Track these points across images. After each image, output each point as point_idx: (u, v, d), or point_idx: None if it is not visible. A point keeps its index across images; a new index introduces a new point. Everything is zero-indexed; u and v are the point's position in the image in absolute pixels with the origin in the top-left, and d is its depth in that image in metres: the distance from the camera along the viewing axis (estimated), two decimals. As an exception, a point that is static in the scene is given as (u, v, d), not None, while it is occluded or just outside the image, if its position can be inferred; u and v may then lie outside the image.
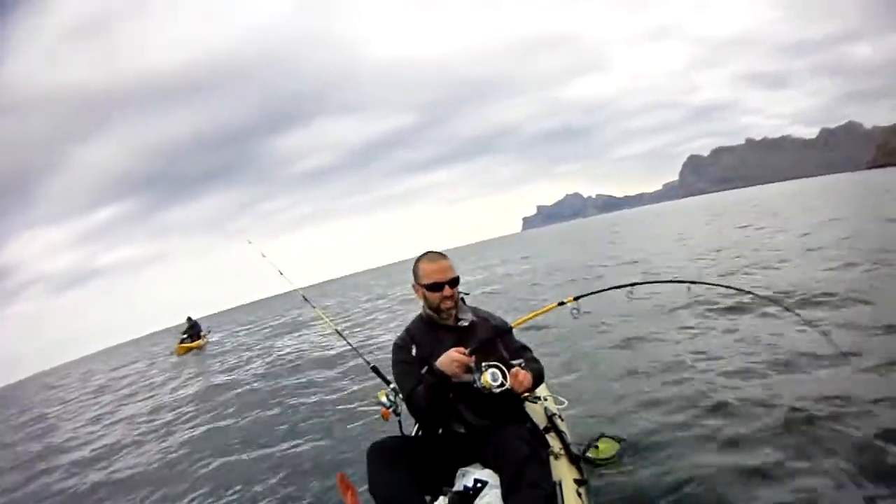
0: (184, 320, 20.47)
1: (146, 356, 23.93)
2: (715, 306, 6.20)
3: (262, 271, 4.07)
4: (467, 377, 2.09)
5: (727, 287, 3.45)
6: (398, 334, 2.43)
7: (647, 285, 3.00)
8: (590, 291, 2.73)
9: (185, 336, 19.21)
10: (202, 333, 19.74)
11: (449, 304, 2.29)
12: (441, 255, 2.35)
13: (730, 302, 6.07)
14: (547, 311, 2.66)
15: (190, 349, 18.43)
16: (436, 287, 2.26)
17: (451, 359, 2.08)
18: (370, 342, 9.34)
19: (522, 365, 2.23)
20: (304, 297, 3.85)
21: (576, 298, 2.64)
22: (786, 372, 3.88)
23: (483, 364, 2.07)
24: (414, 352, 2.30)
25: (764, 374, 3.92)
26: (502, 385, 2.06)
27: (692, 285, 2.91)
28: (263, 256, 3.94)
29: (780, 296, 5.96)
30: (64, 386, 22.67)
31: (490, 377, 2.03)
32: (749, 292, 3.25)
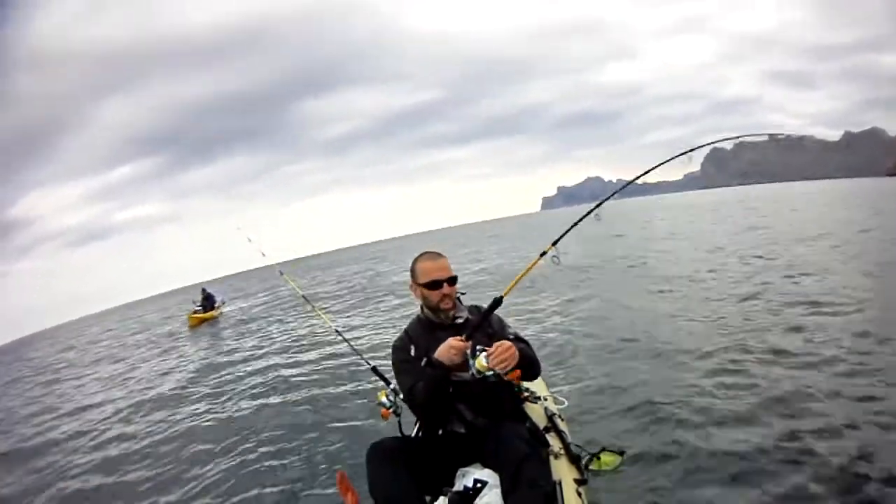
0: (196, 282, 20.29)
1: (155, 327, 23.54)
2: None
3: (265, 253, 4.33)
4: (466, 375, 2.11)
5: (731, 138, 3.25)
6: (397, 335, 2.46)
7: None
8: (564, 231, 2.56)
9: (198, 307, 19.26)
10: (216, 305, 19.79)
11: (448, 302, 2.32)
12: (439, 254, 2.38)
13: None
14: (532, 267, 2.50)
15: (203, 320, 18.42)
16: (434, 285, 2.29)
17: (449, 345, 2.10)
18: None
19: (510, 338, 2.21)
20: (304, 297, 4.04)
21: (553, 243, 2.51)
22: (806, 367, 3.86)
23: (477, 348, 2.07)
24: (412, 352, 2.33)
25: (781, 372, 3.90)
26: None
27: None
28: (263, 255, 4.03)
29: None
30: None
31: (484, 360, 2.02)
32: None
